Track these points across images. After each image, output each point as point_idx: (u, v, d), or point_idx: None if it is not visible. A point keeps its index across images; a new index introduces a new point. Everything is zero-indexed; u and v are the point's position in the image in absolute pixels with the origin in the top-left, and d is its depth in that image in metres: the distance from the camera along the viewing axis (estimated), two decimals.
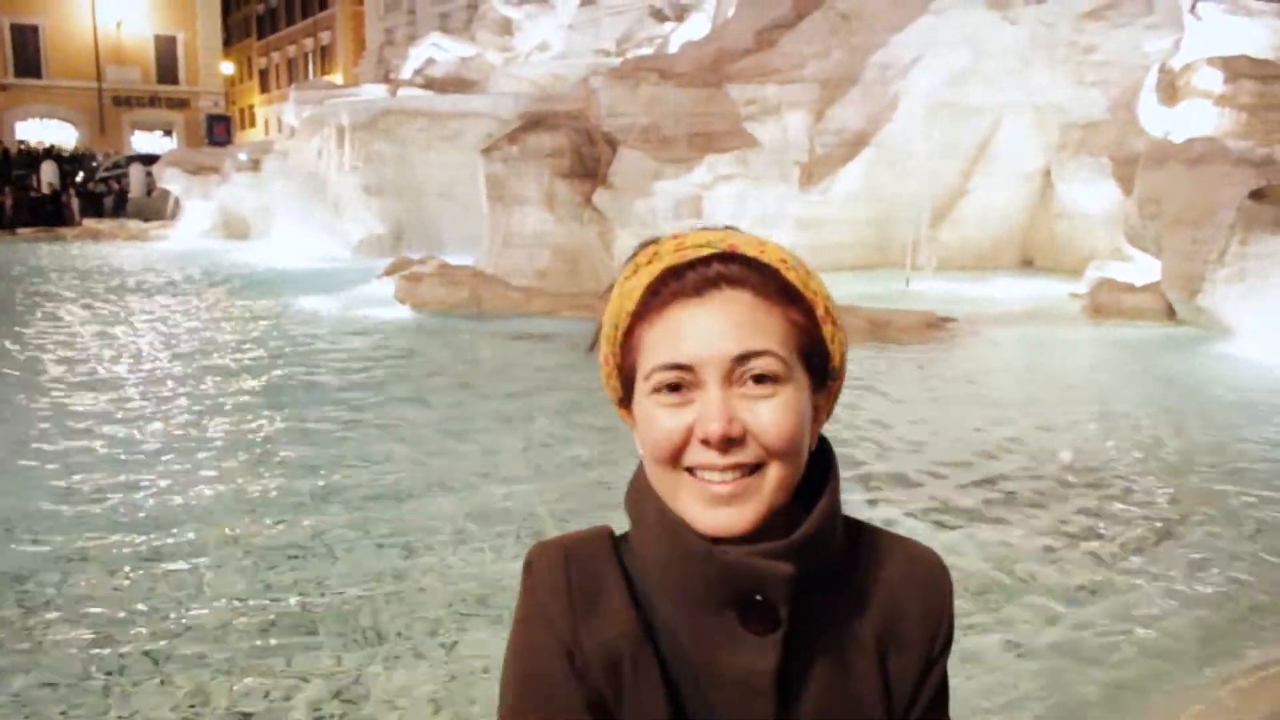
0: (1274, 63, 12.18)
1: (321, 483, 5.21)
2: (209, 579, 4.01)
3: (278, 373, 8.22)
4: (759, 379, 1.00)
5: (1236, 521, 4.65)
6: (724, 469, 0.99)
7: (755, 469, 1.00)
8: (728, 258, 1.02)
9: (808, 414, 1.05)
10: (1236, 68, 11.74)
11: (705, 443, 0.99)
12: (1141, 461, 5.67)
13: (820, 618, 1.07)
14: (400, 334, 9.97)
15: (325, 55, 52.44)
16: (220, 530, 4.55)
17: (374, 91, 21.20)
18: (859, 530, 1.14)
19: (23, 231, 25.75)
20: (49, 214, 27.98)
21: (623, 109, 12.71)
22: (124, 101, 47.06)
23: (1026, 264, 13.97)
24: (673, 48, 17.31)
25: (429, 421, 6.49)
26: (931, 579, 1.13)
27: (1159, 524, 4.65)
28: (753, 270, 1.02)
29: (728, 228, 1.08)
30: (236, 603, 3.78)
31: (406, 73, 22.22)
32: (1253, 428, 6.32)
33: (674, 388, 1.01)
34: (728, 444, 0.98)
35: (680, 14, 19.86)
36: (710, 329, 1.00)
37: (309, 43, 54.19)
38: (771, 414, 1.00)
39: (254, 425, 6.48)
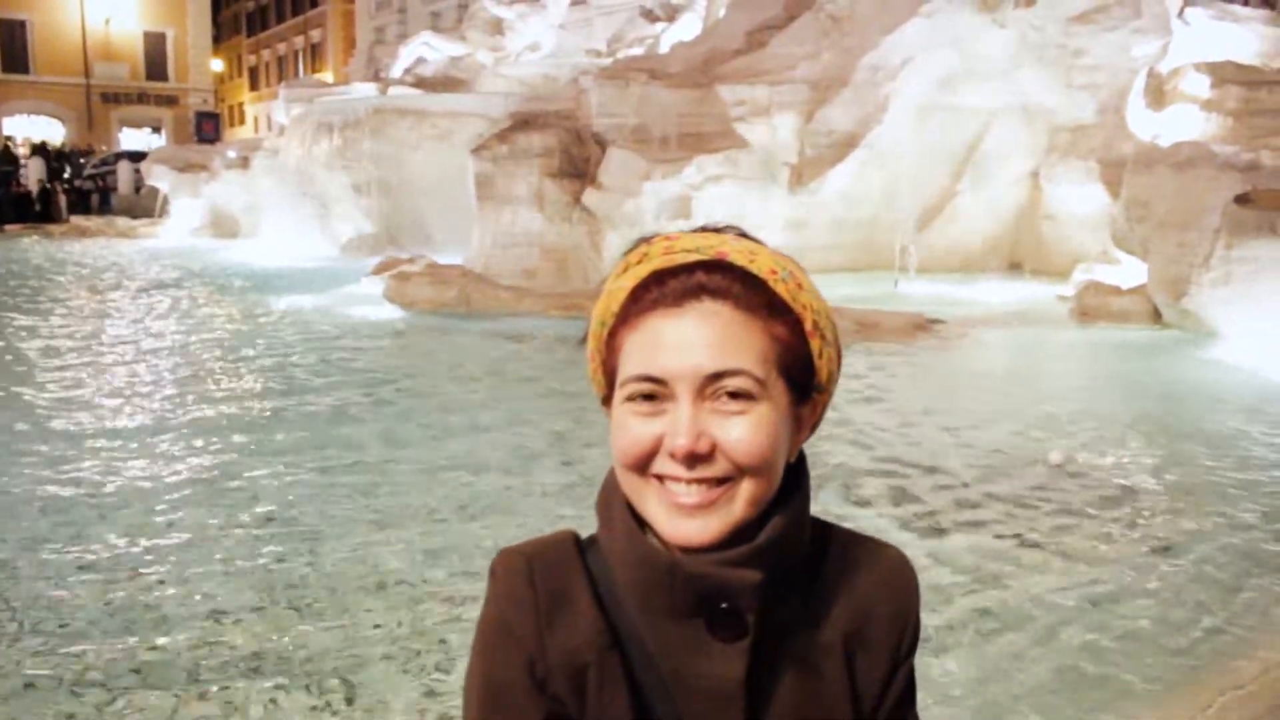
0: (1260, 69, 12.24)
1: (304, 481, 5.20)
2: (188, 576, 4.00)
3: (264, 372, 8.20)
4: (732, 395, 0.99)
5: (1221, 523, 4.67)
6: (689, 482, 0.99)
7: (724, 481, 1.00)
8: (713, 266, 1.01)
9: (784, 431, 1.03)
10: (1223, 73, 11.80)
11: (672, 456, 0.98)
12: (1128, 464, 5.70)
13: (787, 622, 1.06)
14: (388, 333, 9.96)
15: (315, 53, 52.34)
16: (199, 529, 4.54)
17: (364, 90, 21.15)
18: (826, 531, 1.14)
19: (9, 228, 25.59)
20: (36, 211, 27.82)
21: (613, 109, 12.71)
22: (112, 98, 46.82)
23: (1015, 266, 14.00)
24: (663, 48, 17.33)
25: (416, 421, 6.47)
26: (898, 580, 1.13)
27: (1145, 526, 4.67)
28: (737, 281, 1.00)
29: (728, 228, 1.07)
30: (218, 601, 3.77)
31: (397, 71, 22.18)
32: (1237, 430, 6.35)
33: (648, 397, 1.00)
34: (694, 460, 0.98)
35: (671, 14, 19.88)
36: (686, 343, 0.99)
37: (299, 40, 54.09)
38: (742, 432, 0.98)
39: (238, 424, 6.46)
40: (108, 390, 7.52)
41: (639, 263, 1.04)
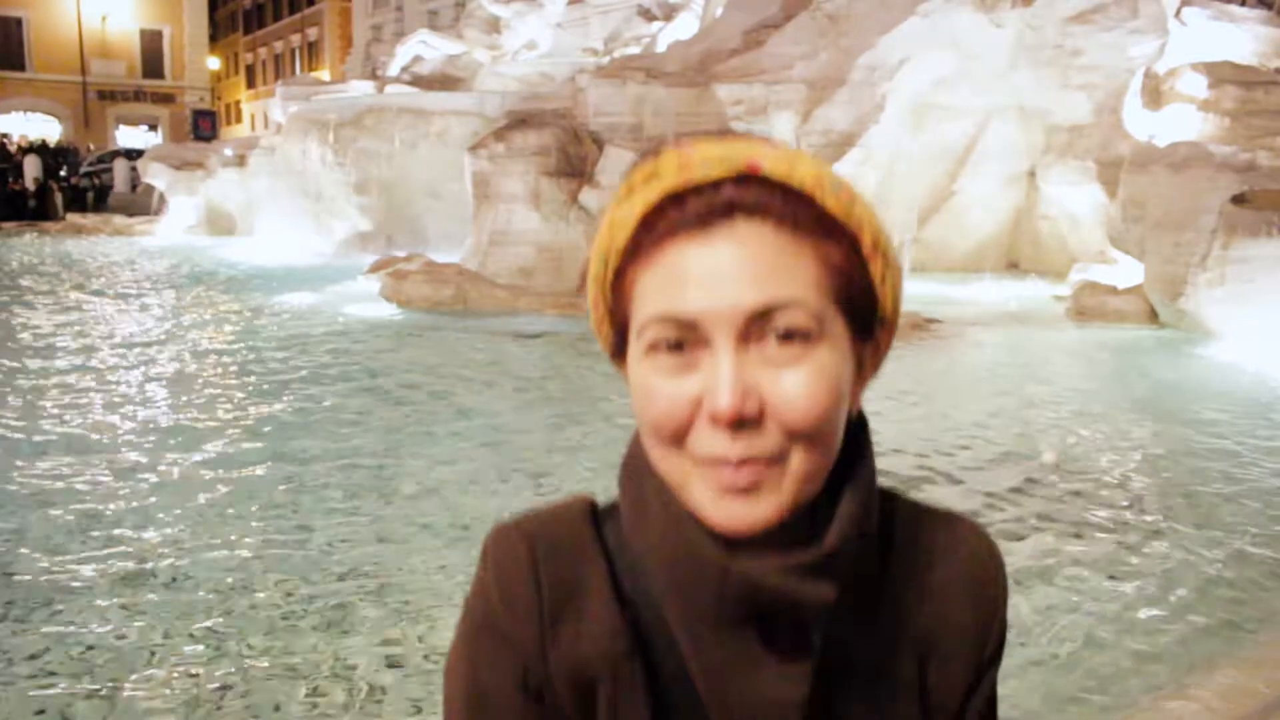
0: (1257, 69, 12.26)
1: (299, 481, 5.19)
2: (185, 574, 4.00)
3: (260, 370, 8.19)
4: (785, 337, 0.78)
5: (1215, 522, 4.68)
6: (738, 465, 0.78)
7: (774, 460, 0.79)
8: (744, 179, 0.79)
9: (847, 380, 0.83)
10: (1220, 73, 11.81)
11: (713, 421, 0.78)
12: (1123, 464, 5.70)
13: (851, 630, 0.87)
14: (384, 332, 9.95)
15: (312, 51, 52.29)
16: (196, 527, 4.53)
17: (361, 88, 21.13)
18: (893, 507, 0.93)
19: (5, 226, 25.55)
20: (32, 209, 27.79)
21: (610, 108, 12.71)
22: (109, 96, 46.77)
23: (1012, 266, 14.03)
24: (660, 47, 17.32)
25: (412, 421, 6.47)
26: (982, 573, 0.94)
27: (1140, 525, 4.68)
28: (777, 195, 0.79)
29: (752, 135, 0.85)
30: (213, 598, 3.77)
31: (394, 70, 22.14)
32: (1232, 430, 6.35)
33: (674, 346, 0.79)
34: (740, 425, 0.77)
35: (668, 13, 19.87)
36: (719, 273, 0.78)
37: (296, 39, 54.02)
38: (799, 386, 0.78)
39: (234, 423, 6.45)
40: (100, 388, 7.50)
41: (646, 182, 0.82)
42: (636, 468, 0.87)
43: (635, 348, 0.83)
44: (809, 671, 0.83)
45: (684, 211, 0.79)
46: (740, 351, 0.78)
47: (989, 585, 0.93)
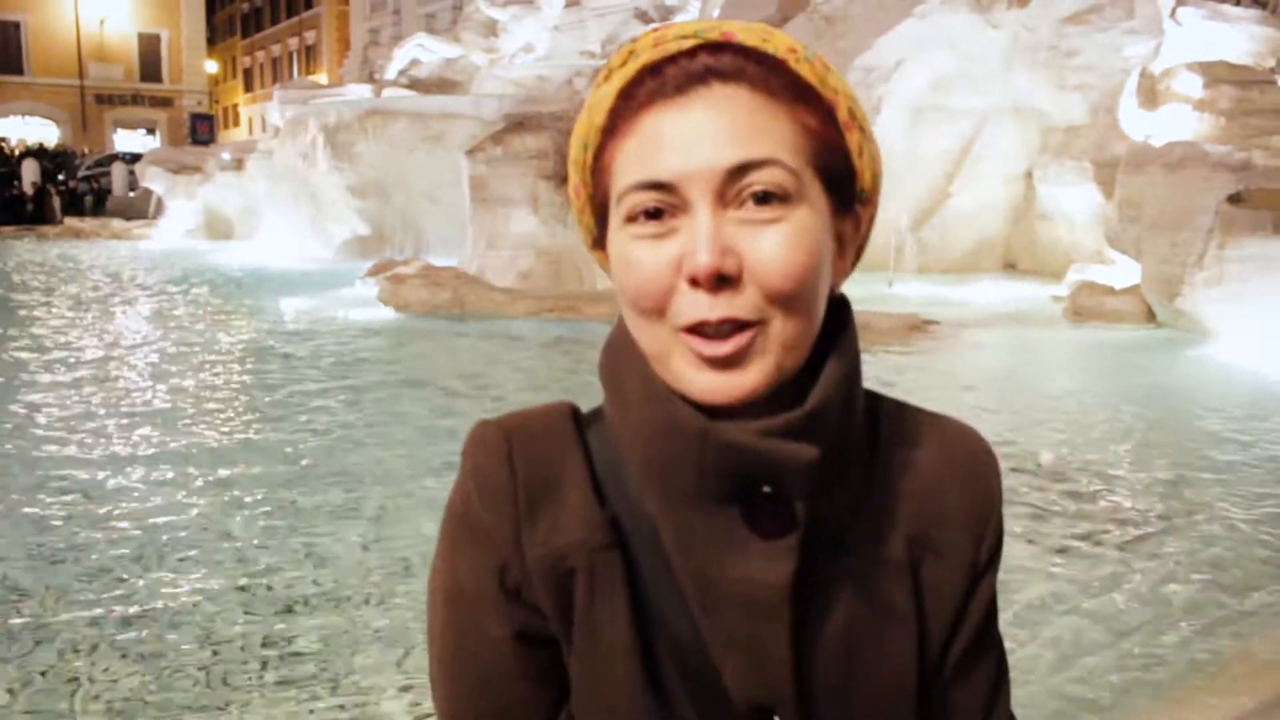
0: (1252, 68, 12.27)
1: (298, 486, 5.20)
2: (186, 578, 4.01)
3: (258, 374, 8.20)
4: (761, 198, 0.78)
5: (1213, 522, 4.69)
6: (718, 324, 0.77)
7: (753, 325, 0.79)
8: (718, 47, 0.80)
9: (826, 247, 0.82)
10: (1215, 73, 11.83)
11: (693, 282, 0.77)
12: (1120, 463, 5.71)
13: (840, 518, 0.85)
14: (383, 335, 9.96)
15: (310, 55, 52.31)
16: (194, 531, 4.54)
17: (358, 92, 21.14)
18: (879, 405, 0.92)
19: (3, 230, 25.56)
20: (30, 213, 27.80)
21: None
22: (107, 99, 46.85)
23: (1009, 266, 14.05)
24: None
25: (410, 424, 6.48)
26: (975, 466, 0.92)
27: (1135, 526, 4.69)
28: (751, 61, 0.80)
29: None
30: (211, 606, 3.78)
31: (391, 73, 22.15)
32: (1231, 429, 6.37)
33: (653, 214, 0.79)
34: (720, 283, 0.77)
35: (665, 16, 19.88)
36: (696, 135, 0.78)
37: (294, 42, 54.05)
38: (776, 244, 0.78)
39: (232, 427, 6.47)
40: (95, 393, 7.50)
41: (624, 63, 0.82)
42: (617, 349, 0.87)
43: (614, 221, 0.83)
44: (795, 547, 0.81)
45: (661, 80, 0.80)
46: (718, 212, 0.78)
47: (982, 479, 0.92)
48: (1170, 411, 6.94)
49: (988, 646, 0.92)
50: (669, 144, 0.79)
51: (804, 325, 0.81)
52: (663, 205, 0.79)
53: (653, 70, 0.80)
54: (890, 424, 0.91)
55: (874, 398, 0.92)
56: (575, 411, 0.91)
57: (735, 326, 0.78)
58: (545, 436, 0.88)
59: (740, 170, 0.77)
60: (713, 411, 0.80)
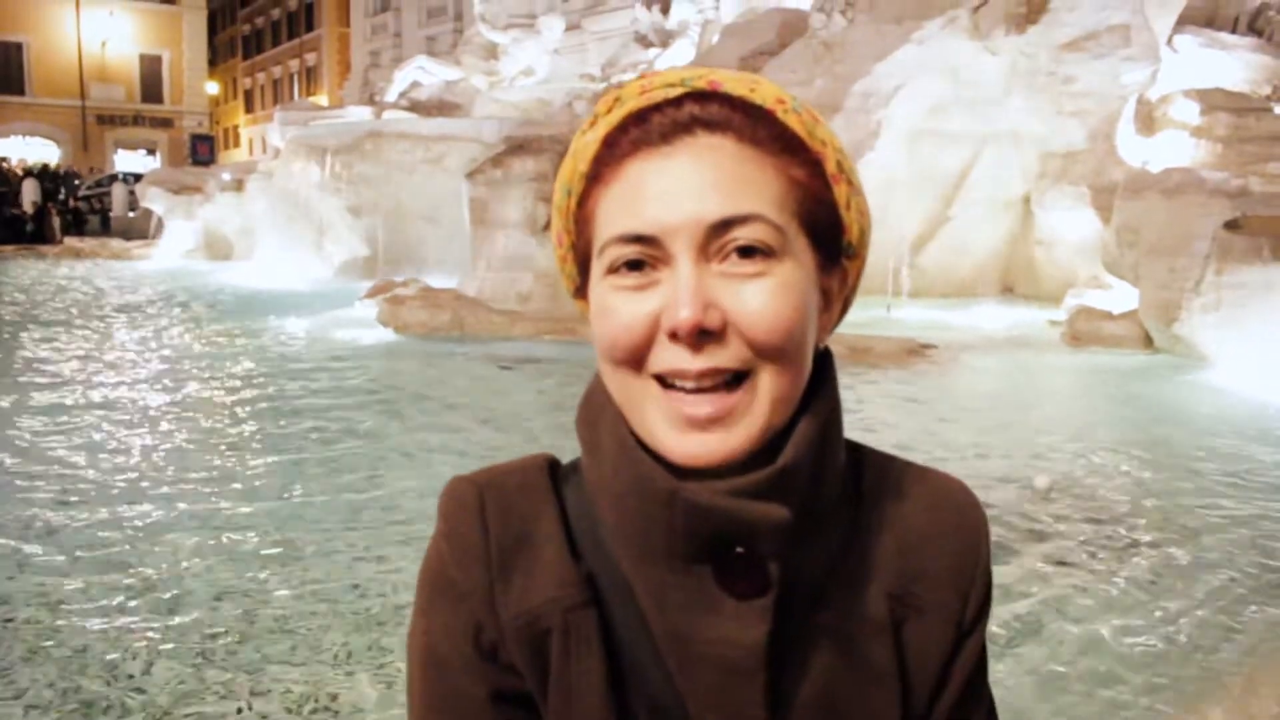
0: (1248, 96, 12.36)
1: (297, 505, 5.19)
2: (181, 601, 3.99)
3: (257, 396, 8.19)
4: (745, 252, 0.76)
5: (1207, 547, 4.68)
6: (698, 376, 0.75)
7: (740, 379, 0.77)
8: (705, 96, 0.79)
9: (812, 301, 0.80)
10: (1212, 100, 11.91)
11: (674, 337, 0.75)
12: (1116, 488, 5.70)
13: (817, 574, 0.83)
14: (381, 357, 9.95)
15: (310, 77, 52.56)
16: (192, 556, 4.52)
17: (359, 114, 21.23)
18: (860, 455, 0.90)
19: (3, 249, 25.59)
20: (30, 232, 27.85)
21: None
22: (108, 120, 47.00)
23: (1007, 291, 14.08)
24: None
25: (406, 446, 6.47)
26: (961, 520, 0.89)
27: (1131, 551, 4.68)
28: (738, 112, 0.78)
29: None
30: (206, 626, 3.76)
31: (391, 95, 22.27)
32: (1228, 453, 6.37)
33: (634, 266, 0.77)
34: (702, 338, 0.75)
35: (665, 40, 20.00)
36: (679, 186, 0.76)
37: (294, 64, 54.31)
38: (761, 297, 0.76)
39: (231, 449, 6.45)
40: (92, 411, 7.49)
41: (609, 110, 0.81)
42: (593, 404, 0.85)
43: (595, 269, 0.81)
44: (769, 610, 0.79)
45: (646, 129, 0.78)
46: (700, 265, 0.76)
47: (969, 534, 0.88)
48: (1167, 436, 6.94)
49: (975, 704, 0.89)
50: (652, 195, 0.77)
51: (793, 380, 0.78)
52: (644, 257, 0.77)
53: (638, 118, 0.79)
54: (874, 477, 0.89)
55: (857, 450, 0.90)
56: (552, 464, 0.90)
57: (719, 382, 0.76)
58: (519, 492, 0.86)
59: (724, 225, 0.76)
60: (681, 472, 0.78)
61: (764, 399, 0.77)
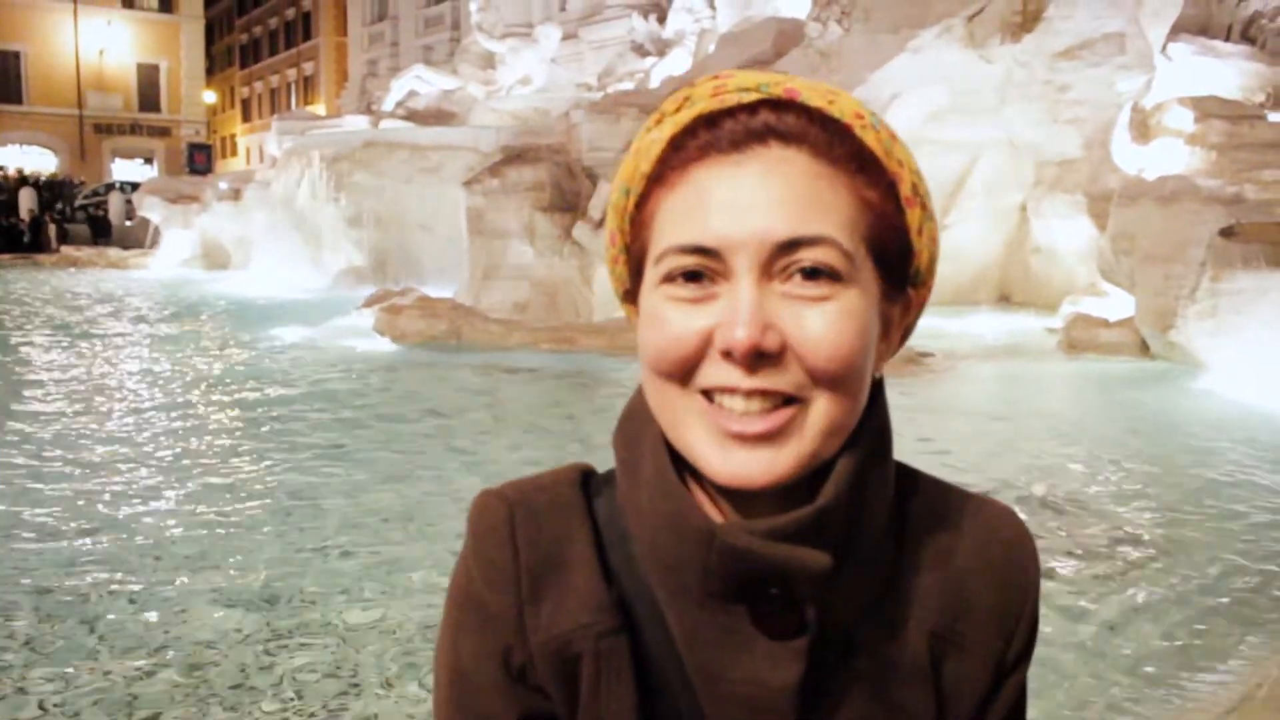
0: (1242, 103, 12.40)
1: (293, 517, 5.19)
2: (179, 616, 3.99)
3: (255, 404, 8.19)
4: (810, 274, 0.73)
5: (1205, 553, 4.69)
6: (749, 394, 0.72)
7: (793, 402, 0.73)
8: (782, 105, 0.75)
9: (874, 331, 0.77)
10: (1206, 108, 11.94)
11: (727, 355, 0.72)
12: (1113, 495, 5.71)
13: (855, 613, 0.80)
14: (378, 366, 9.95)
15: (308, 86, 52.64)
16: (188, 569, 4.52)
17: (356, 123, 21.27)
18: (914, 483, 0.86)
19: (1, 258, 25.59)
20: (26, 241, 27.86)
21: (603, 143, 12.80)
22: (105, 129, 47.04)
23: (1004, 299, 14.10)
24: (654, 82, 17.49)
25: (403, 456, 6.47)
26: (1010, 556, 0.85)
27: (1129, 557, 4.68)
28: (815, 125, 0.75)
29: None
30: (207, 649, 3.76)
31: (389, 104, 22.31)
32: (1224, 460, 6.38)
33: (692, 277, 0.74)
34: (758, 360, 0.72)
35: (661, 49, 20.06)
36: (748, 199, 0.73)
37: (292, 73, 54.40)
38: (824, 324, 0.72)
39: (228, 458, 6.45)
40: (86, 422, 7.49)
41: (677, 110, 0.77)
42: (634, 423, 0.81)
43: (649, 278, 0.77)
44: (804, 652, 0.76)
45: (716, 134, 0.74)
46: (763, 284, 0.73)
47: (1017, 571, 0.85)
48: (1163, 443, 6.95)
49: None
50: (718, 205, 0.73)
51: (848, 410, 0.75)
52: (703, 269, 0.74)
53: (708, 121, 0.75)
54: (922, 508, 0.85)
55: (910, 477, 0.86)
56: (585, 478, 0.86)
57: (770, 403, 0.73)
58: (550, 511, 0.83)
59: (791, 245, 0.72)
60: (724, 491, 0.76)
61: (815, 426, 0.74)
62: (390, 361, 10.18)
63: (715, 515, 0.78)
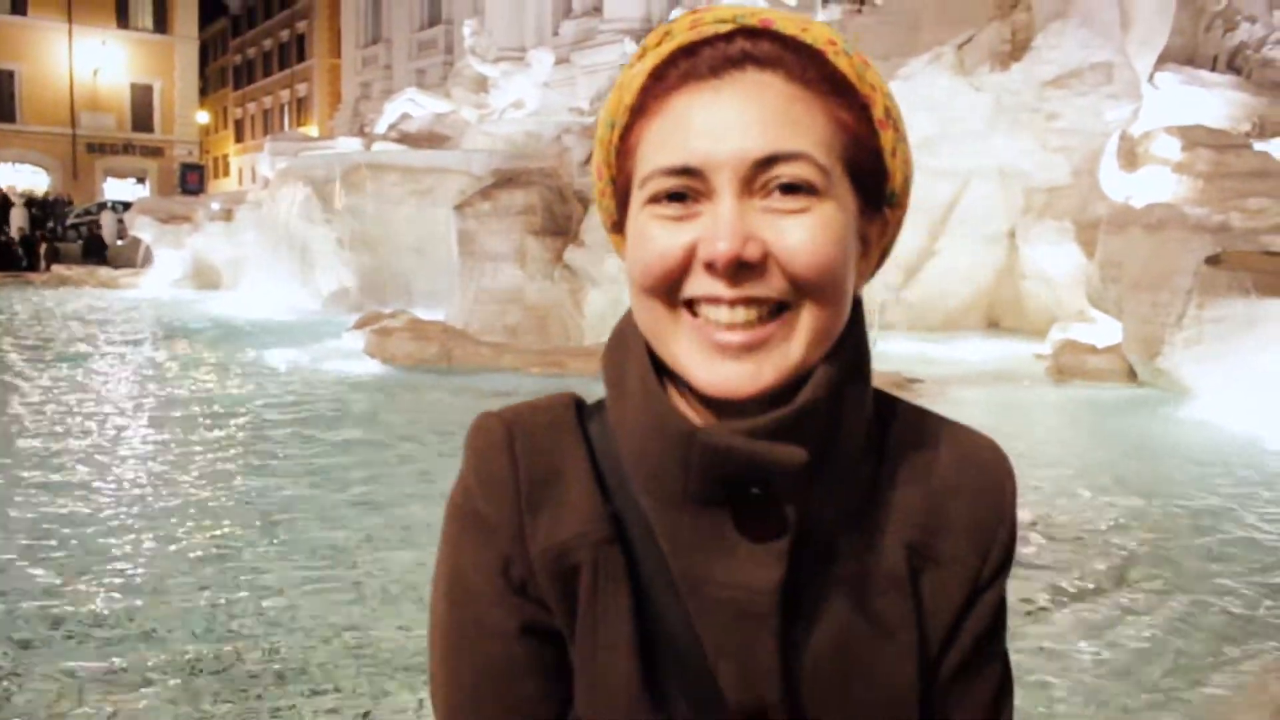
0: (1228, 132, 12.53)
1: (281, 539, 5.18)
2: (163, 635, 3.97)
3: (239, 427, 8.17)
4: (788, 189, 0.76)
5: (1192, 578, 4.70)
6: (733, 303, 0.75)
7: (779, 311, 0.77)
8: (756, 33, 0.78)
9: (853, 245, 0.80)
10: (1193, 137, 12.06)
11: (710, 267, 0.75)
12: (1100, 521, 5.72)
13: (837, 522, 0.82)
14: (368, 388, 9.94)
15: (301, 107, 52.78)
16: (172, 591, 4.51)
17: (349, 145, 21.32)
18: (893, 408, 0.89)
19: None
20: (17, 260, 27.81)
21: None
22: (98, 148, 47.06)
23: (992, 325, 14.15)
24: None
25: (390, 480, 6.46)
26: (987, 475, 0.88)
27: (1115, 583, 4.69)
28: (789, 50, 0.78)
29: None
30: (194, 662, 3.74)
31: (381, 127, 22.37)
32: (1210, 487, 6.40)
33: (675, 197, 0.77)
34: (740, 271, 0.75)
35: None
36: (726, 122, 0.76)
37: (285, 94, 54.56)
38: (803, 233, 0.76)
39: (214, 481, 6.43)
40: (71, 443, 7.46)
41: (659, 44, 0.81)
42: (621, 342, 0.85)
43: (636, 202, 0.80)
44: (784, 552, 0.79)
45: (694, 62, 0.78)
46: (743, 200, 0.76)
47: (993, 489, 0.88)
48: (1150, 469, 6.98)
49: (988, 661, 0.88)
50: (698, 128, 0.76)
51: (830, 320, 0.78)
52: (687, 190, 0.77)
53: (687, 51, 0.78)
54: (903, 429, 0.88)
55: (891, 403, 0.89)
56: (578, 403, 0.89)
57: (754, 313, 0.76)
58: (547, 429, 0.86)
59: (769, 161, 0.76)
60: (708, 403, 0.79)
61: (800, 334, 0.77)
62: (380, 383, 10.17)
63: (698, 423, 0.80)
